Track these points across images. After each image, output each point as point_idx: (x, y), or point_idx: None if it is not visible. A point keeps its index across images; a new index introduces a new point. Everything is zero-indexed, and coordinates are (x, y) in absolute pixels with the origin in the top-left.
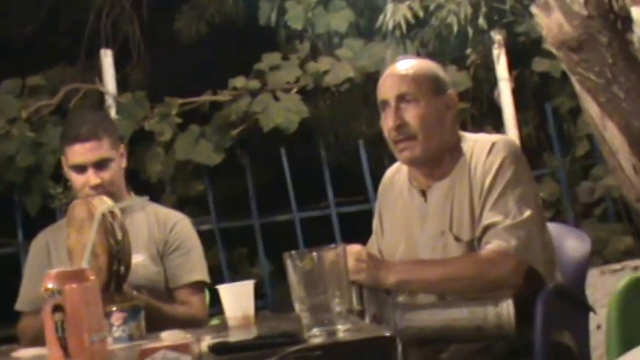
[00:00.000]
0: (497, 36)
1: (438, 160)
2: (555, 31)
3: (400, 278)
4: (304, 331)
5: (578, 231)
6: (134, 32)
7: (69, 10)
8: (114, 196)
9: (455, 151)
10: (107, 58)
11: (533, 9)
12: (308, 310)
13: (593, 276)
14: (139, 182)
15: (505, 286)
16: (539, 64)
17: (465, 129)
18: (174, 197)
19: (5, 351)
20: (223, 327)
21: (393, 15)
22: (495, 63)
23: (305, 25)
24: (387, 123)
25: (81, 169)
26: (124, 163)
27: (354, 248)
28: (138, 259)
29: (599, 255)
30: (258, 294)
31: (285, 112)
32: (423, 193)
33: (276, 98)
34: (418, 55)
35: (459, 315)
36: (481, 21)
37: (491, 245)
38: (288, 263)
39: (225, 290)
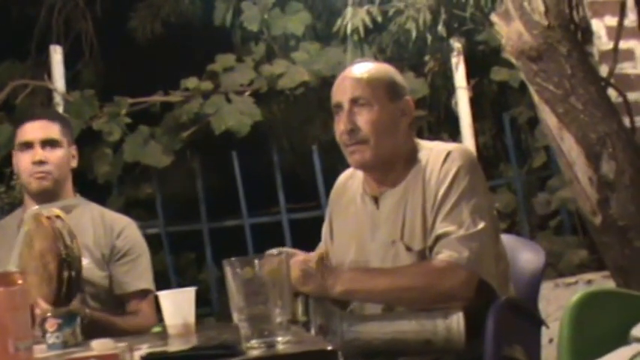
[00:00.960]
0: (456, 44)
1: (391, 166)
2: (515, 40)
3: (347, 287)
4: (243, 342)
5: (533, 243)
6: (87, 29)
7: (20, 4)
8: (58, 188)
9: (409, 158)
10: (57, 54)
11: (493, 17)
12: (247, 320)
13: (547, 289)
14: (85, 183)
15: (455, 298)
16: (498, 74)
17: (421, 137)
18: (121, 199)
19: None
20: (163, 335)
21: (351, 19)
22: (454, 71)
23: (261, 27)
24: (340, 126)
25: (28, 145)
26: (73, 163)
27: (298, 257)
28: (83, 262)
29: (554, 268)
30: (204, 300)
31: (237, 115)
32: (376, 200)
33: (229, 100)
34: (376, 60)
35: (408, 327)
36: (440, 28)
37: (443, 256)
38: (228, 270)
39: (165, 297)
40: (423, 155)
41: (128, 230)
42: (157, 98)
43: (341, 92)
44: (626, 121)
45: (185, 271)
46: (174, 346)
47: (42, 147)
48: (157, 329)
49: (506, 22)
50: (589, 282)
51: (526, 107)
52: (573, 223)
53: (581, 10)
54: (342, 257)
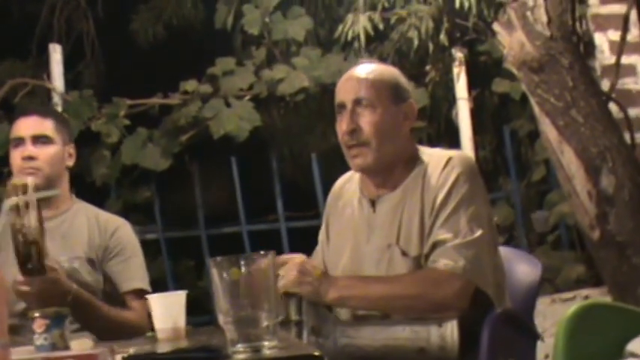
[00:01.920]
0: (458, 54)
1: (391, 170)
2: (517, 50)
3: (341, 294)
4: (228, 346)
5: (530, 256)
6: (88, 30)
7: (21, 3)
8: (50, 185)
9: (409, 162)
10: (56, 53)
11: (496, 26)
12: (233, 324)
13: (544, 304)
14: (83, 185)
15: (450, 307)
16: (500, 85)
17: None
18: (119, 203)
19: None
20: (153, 339)
21: (352, 26)
22: (455, 81)
23: (262, 31)
24: (342, 126)
25: (19, 142)
26: (70, 162)
27: (298, 258)
28: (76, 263)
29: (551, 283)
30: (204, 309)
31: (236, 120)
32: (373, 204)
33: (228, 105)
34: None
35: (401, 334)
36: (442, 37)
37: (438, 264)
38: (214, 272)
39: (155, 300)
40: (423, 160)
41: (122, 230)
42: (156, 100)
43: (344, 92)
44: (627, 137)
45: (184, 278)
46: (162, 350)
47: (33, 143)
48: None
49: (508, 31)
50: (586, 298)
51: (527, 120)
52: (571, 238)
53: (584, 23)
54: (337, 260)
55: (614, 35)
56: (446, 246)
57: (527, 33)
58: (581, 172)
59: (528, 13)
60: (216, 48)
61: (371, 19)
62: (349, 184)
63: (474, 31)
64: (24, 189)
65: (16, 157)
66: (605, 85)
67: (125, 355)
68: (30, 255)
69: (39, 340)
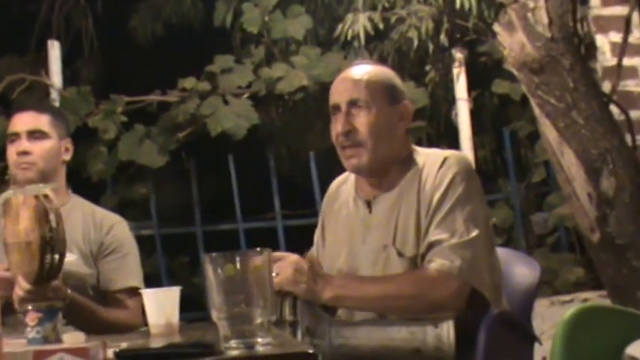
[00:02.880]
0: (458, 54)
1: (386, 170)
2: (517, 51)
3: (336, 293)
4: (222, 342)
5: (529, 258)
6: (87, 27)
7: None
8: (45, 180)
9: (405, 163)
10: (54, 49)
11: (496, 27)
12: (226, 320)
13: (542, 306)
14: (79, 181)
15: (446, 308)
16: (499, 86)
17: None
18: (115, 199)
19: None
20: (145, 334)
21: (351, 25)
22: (455, 82)
23: (261, 30)
24: (336, 128)
25: (15, 136)
26: (66, 156)
27: (293, 257)
28: (70, 258)
29: (550, 286)
30: (198, 305)
31: (234, 118)
32: (369, 204)
33: (226, 102)
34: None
35: (397, 335)
36: (443, 37)
37: (435, 264)
38: (209, 267)
39: (149, 296)
40: (419, 160)
41: (118, 227)
42: (154, 97)
43: (339, 93)
44: (628, 139)
45: (178, 274)
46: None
47: (28, 138)
48: (143, 329)
49: (509, 32)
50: (585, 301)
51: (527, 122)
52: (571, 241)
53: (585, 25)
54: (333, 261)
55: (616, 37)
56: (442, 246)
57: (528, 34)
58: (581, 174)
59: (529, 15)
60: (215, 46)
61: (371, 19)
62: (345, 185)
63: (474, 31)
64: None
65: (11, 152)
66: (606, 86)
67: (117, 349)
68: (53, 266)
69: (31, 333)
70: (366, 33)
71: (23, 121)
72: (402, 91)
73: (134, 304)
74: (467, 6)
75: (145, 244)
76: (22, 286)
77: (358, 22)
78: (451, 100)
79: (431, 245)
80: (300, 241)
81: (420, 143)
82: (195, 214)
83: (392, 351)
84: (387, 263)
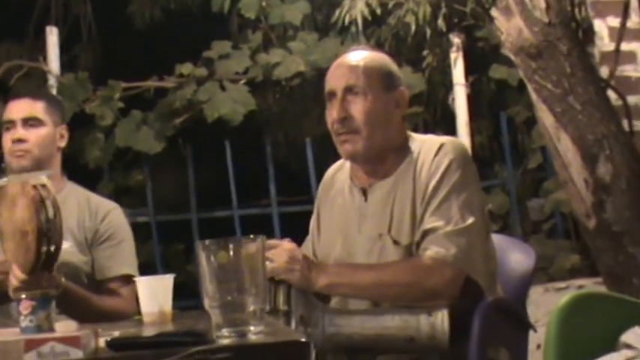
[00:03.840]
0: (455, 39)
1: (382, 158)
2: (514, 36)
3: (331, 281)
4: (214, 330)
5: (524, 244)
6: (86, 12)
7: None
8: (40, 167)
9: (401, 150)
10: (52, 36)
11: (494, 12)
12: (219, 308)
13: (537, 293)
14: (76, 167)
15: (441, 295)
16: (497, 72)
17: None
18: (111, 185)
19: None
20: (139, 322)
21: (349, 10)
22: (452, 67)
23: (258, 15)
24: (332, 114)
25: (10, 125)
26: (61, 143)
27: (288, 245)
28: (64, 245)
29: (545, 272)
30: (191, 293)
31: (231, 103)
32: (364, 192)
33: (223, 88)
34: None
35: (391, 323)
36: (440, 22)
37: (429, 252)
38: (201, 254)
39: (142, 284)
40: (414, 147)
41: (112, 215)
42: (151, 83)
43: (335, 80)
44: (625, 125)
45: (173, 261)
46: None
47: (23, 125)
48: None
49: (506, 17)
50: (580, 288)
51: (524, 107)
52: (567, 227)
53: (583, 9)
54: (329, 250)
55: (614, 22)
56: (437, 234)
57: (525, 19)
58: (577, 159)
59: (527, 0)
60: (212, 31)
61: (368, 4)
62: (340, 172)
63: (472, 16)
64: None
65: (6, 140)
66: (604, 71)
67: (108, 338)
68: (49, 257)
69: (24, 321)
70: (364, 18)
71: (18, 108)
72: (399, 77)
73: (128, 292)
74: None
75: (140, 232)
76: (16, 275)
77: (356, 8)
78: (448, 86)
79: (426, 233)
80: (296, 227)
81: (416, 129)
82: (191, 201)
83: (386, 339)
84: (382, 252)
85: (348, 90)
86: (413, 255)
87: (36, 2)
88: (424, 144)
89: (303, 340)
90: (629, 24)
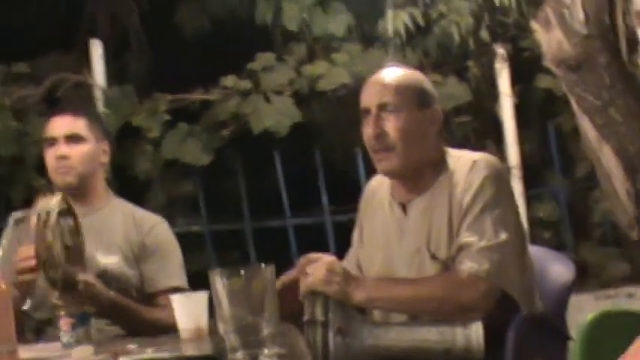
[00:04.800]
0: (500, 49)
1: (418, 174)
2: (554, 48)
3: (368, 295)
4: (229, 353)
5: (563, 256)
6: (133, 23)
7: None
8: (85, 183)
9: (437, 166)
10: (96, 48)
11: (533, 24)
12: (233, 332)
13: (587, 301)
14: (126, 179)
15: (475, 309)
16: (542, 81)
17: (466, 143)
18: (162, 196)
19: None
20: (173, 339)
21: (392, 21)
22: (497, 77)
23: (301, 27)
24: (367, 131)
25: (52, 141)
26: (104, 159)
27: (328, 258)
28: (112, 260)
29: (596, 279)
30: None
31: (276, 115)
32: (404, 207)
33: (268, 100)
34: (421, 63)
35: (427, 335)
36: (483, 33)
37: (464, 267)
38: (215, 281)
39: (177, 301)
40: (450, 164)
41: (158, 228)
42: (196, 96)
43: (369, 97)
44: None
45: None
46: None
47: (66, 142)
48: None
49: (546, 29)
50: (630, 295)
51: (571, 116)
52: (617, 235)
53: (627, 19)
54: (371, 262)
55: None
56: (471, 249)
57: (565, 31)
58: (619, 171)
59: (565, 11)
60: (257, 42)
61: (412, 15)
62: (381, 186)
63: (515, 27)
64: (48, 216)
65: (49, 156)
66: None
67: None
68: (67, 280)
69: (65, 337)
70: (408, 29)
71: (60, 124)
72: (433, 95)
73: None
74: (506, 3)
75: (194, 241)
76: (52, 296)
77: (399, 19)
78: (496, 95)
79: (461, 248)
80: (349, 236)
81: (466, 138)
82: (243, 211)
83: (422, 351)
84: (421, 266)
85: (382, 107)
86: (449, 269)
87: (83, 13)
88: (459, 160)
89: None
90: None
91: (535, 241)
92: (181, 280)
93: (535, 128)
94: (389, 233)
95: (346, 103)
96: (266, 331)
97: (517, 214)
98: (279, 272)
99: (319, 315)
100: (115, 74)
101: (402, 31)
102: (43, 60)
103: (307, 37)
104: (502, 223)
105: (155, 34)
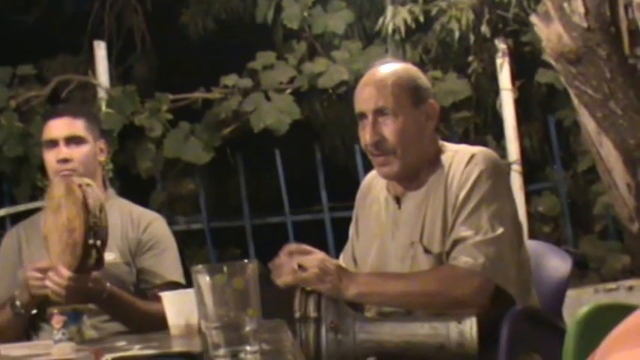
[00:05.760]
0: (501, 44)
1: (416, 171)
2: (554, 42)
3: (360, 290)
4: (210, 350)
5: (560, 250)
6: (139, 24)
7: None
8: None
9: (433, 161)
10: (100, 50)
11: (533, 18)
12: (215, 329)
13: (587, 294)
14: (129, 178)
15: (469, 304)
16: (543, 76)
17: (467, 138)
18: (164, 194)
19: None
20: (163, 336)
21: (392, 18)
22: (498, 72)
23: (301, 25)
24: (365, 137)
25: (52, 144)
26: (102, 157)
27: (320, 255)
28: (109, 257)
29: (597, 273)
30: None
31: (276, 113)
32: (398, 200)
33: (268, 98)
34: (421, 59)
35: (421, 330)
36: (484, 28)
37: (458, 261)
38: (198, 278)
39: (167, 298)
40: (446, 158)
41: (154, 225)
42: (197, 95)
43: (364, 101)
44: None
45: None
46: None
47: (66, 144)
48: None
49: (545, 23)
50: (630, 288)
51: (572, 110)
52: (618, 228)
53: (630, 11)
54: (365, 256)
55: None
56: (466, 243)
57: (565, 24)
58: (619, 164)
59: (565, 5)
60: (259, 42)
61: (411, 12)
62: (376, 180)
63: (515, 21)
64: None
65: (50, 159)
66: None
67: (109, 358)
68: (96, 252)
69: (57, 335)
70: (408, 26)
71: (60, 126)
72: (427, 89)
73: None
74: None
75: (195, 238)
76: (63, 275)
77: (399, 15)
78: (496, 90)
79: (455, 242)
80: (348, 232)
81: (467, 133)
82: (243, 208)
83: (416, 347)
84: (414, 260)
85: (379, 112)
86: (443, 263)
87: (90, 15)
88: (456, 154)
89: None
90: None
91: (535, 235)
92: (177, 274)
93: (536, 123)
94: (383, 227)
95: (346, 101)
96: (248, 327)
97: (514, 208)
98: None
99: (312, 311)
100: (119, 75)
101: (402, 27)
102: (49, 62)
103: (308, 35)
104: (498, 217)
105: (159, 35)
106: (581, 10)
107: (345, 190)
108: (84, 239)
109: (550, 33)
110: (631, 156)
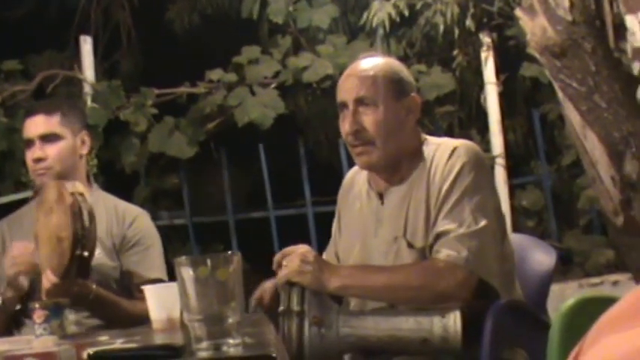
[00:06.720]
0: (485, 38)
1: (397, 164)
2: (539, 35)
3: (343, 283)
4: (193, 343)
5: (544, 244)
6: (125, 20)
7: None
8: (66, 179)
9: (415, 155)
10: (86, 44)
11: (518, 12)
12: (198, 322)
13: (571, 289)
14: (113, 173)
15: (452, 298)
16: (528, 69)
17: (451, 132)
18: (148, 189)
19: None
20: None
21: (377, 12)
22: (483, 66)
23: (286, 20)
24: (345, 126)
25: (29, 143)
26: (83, 150)
27: (301, 249)
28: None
29: (581, 267)
30: None
31: (260, 108)
32: (381, 196)
33: (253, 93)
34: (405, 54)
35: (404, 325)
36: (469, 22)
37: (441, 255)
38: (181, 270)
39: (150, 292)
40: (428, 151)
41: (139, 220)
42: (182, 90)
43: (346, 91)
44: None
45: None
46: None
47: (41, 143)
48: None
49: (530, 17)
50: (615, 283)
51: (557, 104)
52: (603, 223)
53: (615, 5)
54: (348, 252)
55: None
56: (449, 236)
57: (549, 18)
58: (604, 157)
59: None
60: (243, 37)
61: (396, 6)
62: (359, 175)
63: (500, 15)
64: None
65: (28, 158)
66: (636, 68)
67: (90, 351)
68: (83, 263)
69: (39, 329)
70: (393, 20)
71: (34, 125)
72: (409, 83)
73: None
74: None
75: (178, 234)
76: (49, 279)
77: (383, 10)
78: (481, 84)
79: (438, 236)
80: (330, 227)
81: (451, 127)
82: (227, 203)
83: (399, 341)
84: (398, 255)
85: (359, 102)
86: (427, 257)
87: (76, 11)
88: (439, 148)
89: (273, 355)
90: None
91: (519, 230)
92: (162, 272)
93: (520, 117)
94: (366, 223)
95: (331, 95)
96: (231, 320)
97: (497, 200)
98: (260, 263)
99: (295, 305)
100: (105, 70)
101: (386, 21)
102: (35, 57)
103: (293, 29)
104: (481, 210)
105: (145, 30)
106: (566, 3)
107: (329, 185)
108: (71, 250)
109: (535, 26)
110: (616, 149)
